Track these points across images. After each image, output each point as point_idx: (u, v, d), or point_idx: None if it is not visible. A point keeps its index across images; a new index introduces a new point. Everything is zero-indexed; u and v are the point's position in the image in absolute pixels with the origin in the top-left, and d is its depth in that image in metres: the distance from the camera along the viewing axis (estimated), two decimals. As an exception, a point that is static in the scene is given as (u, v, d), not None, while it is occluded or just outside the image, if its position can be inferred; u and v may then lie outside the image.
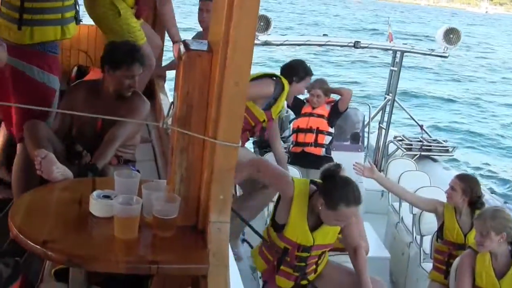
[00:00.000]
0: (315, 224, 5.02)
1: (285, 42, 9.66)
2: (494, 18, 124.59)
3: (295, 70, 6.87)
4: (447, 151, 10.72)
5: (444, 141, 11.09)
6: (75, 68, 7.17)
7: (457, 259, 5.90)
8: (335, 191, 4.77)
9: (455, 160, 15.16)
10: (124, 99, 4.80)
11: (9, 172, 5.14)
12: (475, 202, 6.24)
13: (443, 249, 6.39)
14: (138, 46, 4.99)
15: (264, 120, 6.46)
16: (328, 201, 4.77)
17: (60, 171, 3.91)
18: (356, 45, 9.48)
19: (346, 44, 9.86)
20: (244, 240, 6.52)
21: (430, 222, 6.97)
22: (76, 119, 4.81)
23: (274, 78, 6.58)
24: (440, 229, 6.44)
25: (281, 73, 6.81)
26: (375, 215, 8.68)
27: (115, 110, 4.56)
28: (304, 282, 5.24)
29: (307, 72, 6.97)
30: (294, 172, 7.70)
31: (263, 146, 10.58)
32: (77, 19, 5.23)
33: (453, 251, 6.25)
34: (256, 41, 8.45)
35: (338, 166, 4.98)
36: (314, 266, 5.23)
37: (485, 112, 27.67)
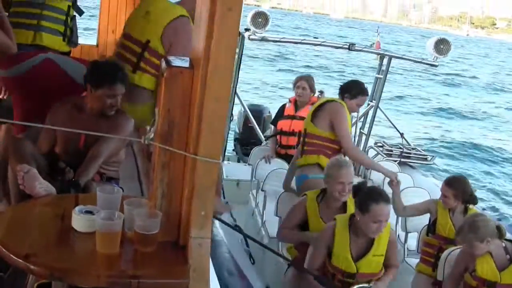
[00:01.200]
0: (359, 253, 5.43)
1: (282, 39, 9.83)
2: (474, 41, 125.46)
3: (350, 88, 7.14)
4: (425, 159, 10.83)
5: (423, 150, 11.20)
6: None
7: (446, 251, 6.05)
8: (363, 196, 5.36)
9: (433, 169, 15.27)
10: (107, 116, 4.81)
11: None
12: (468, 200, 6.38)
13: (434, 242, 6.47)
14: (121, 65, 4.99)
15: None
16: (360, 207, 5.33)
17: (43, 186, 3.93)
18: (350, 47, 9.56)
19: (341, 46, 9.95)
20: (236, 226, 6.62)
21: (416, 219, 7.10)
22: (60, 135, 4.81)
23: (334, 101, 7.03)
24: (433, 224, 6.55)
25: (339, 90, 7.20)
26: None
27: (98, 128, 4.58)
28: None
29: (360, 91, 7.18)
30: (284, 166, 8.28)
31: (244, 143, 10.75)
32: (66, 37, 5.30)
33: (443, 245, 6.33)
34: (254, 36, 8.60)
35: (363, 182, 5.59)
36: None
37: (464, 123, 27.93)
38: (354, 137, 10.61)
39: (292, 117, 8.71)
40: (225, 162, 10.17)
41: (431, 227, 6.56)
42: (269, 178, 8.05)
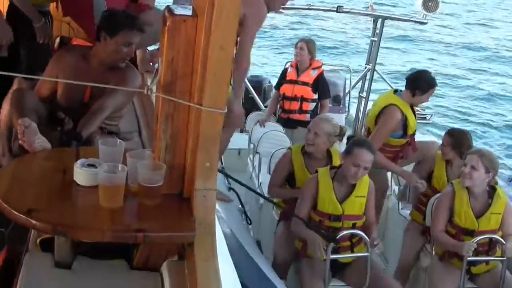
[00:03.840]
0: (343, 196, 5.71)
1: None
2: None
3: (418, 83, 7.04)
4: (424, 118, 10.95)
5: (422, 109, 11.26)
6: (58, 40, 7.07)
7: (432, 198, 6.26)
8: (350, 142, 5.85)
9: (432, 127, 15.32)
10: (115, 70, 4.68)
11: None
12: (465, 154, 6.33)
13: (428, 192, 6.59)
14: (136, 14, 4.92)
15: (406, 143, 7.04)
16: (345, 151, 5.74)
17: (40, 142, 3.85)
18: (338, 9, 9.72)
19: (328, 8, 10.01)
20: (230, 188, 6.62)
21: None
22: (63, 84, 4.70)
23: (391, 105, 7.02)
24: (429, 175, 6.69)
25: (406, 85, 7.11)
26: None
27: (105, 81, 4.44)
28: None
29: (430, 84, 7.07)
30: (279, 128, 8.65)
31: (246, 113, 10.86)
32: None
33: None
34: None
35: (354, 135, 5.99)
36: (348, 242, 5.75)
37: (465, 82, 27.55)
38: (350, 96, 10.75)
39: (295, 82, 8.78)
40: None
41: (428, 178, 6.70)
42: (263, 140, 8.25)
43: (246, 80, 10.58)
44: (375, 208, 6.04)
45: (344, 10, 9.75)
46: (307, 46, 8.75)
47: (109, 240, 2.80)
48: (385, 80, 11.53)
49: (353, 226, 5.69)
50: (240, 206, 6.60)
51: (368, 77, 10.86)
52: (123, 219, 2.92)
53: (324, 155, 6.37)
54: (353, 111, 11.27)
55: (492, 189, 5.77)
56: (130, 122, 5.65)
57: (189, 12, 2.82)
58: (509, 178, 8.08)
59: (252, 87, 10.75)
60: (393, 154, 7.05)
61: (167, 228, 2.84)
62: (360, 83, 11.20)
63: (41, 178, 3.19)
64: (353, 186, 5.69)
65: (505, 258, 5.70)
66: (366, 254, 5.65)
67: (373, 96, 11.31)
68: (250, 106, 10.64)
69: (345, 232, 5.58)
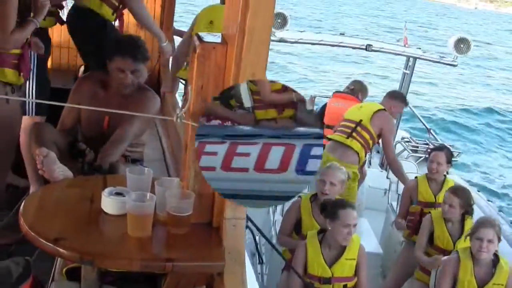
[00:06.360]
0: (332, 259, 5.60)
1: (300, 40, 9.79)
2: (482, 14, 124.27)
3: None
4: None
5: (450, 145, 11.15)
6: (82, 68, 7.15)
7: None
8: (330, 206, 5.68)
9: (459, 165, 15.18)
10: (132, 95, 4.64)
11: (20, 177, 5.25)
12: (468, 210, 6.37)
13: (432, 253, 6.43)
14: (139, 41, 4.82)
15: None
16: (329, 215, 5.55)
17: (61, 170, 3.82)
18: (367, 48, 9.60)
19: (358, 46, 9.94)
20: (247, 227, 6.54)
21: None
22: (84, 114, 4.65)
23: None
24: (431, 236, 6.52)
25: None
26: (377, 212, 8.90)
27: (122, 107, 4.38)
28: None
29: None
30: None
31: None
32: None
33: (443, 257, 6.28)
34: (272, 37, 8.57)
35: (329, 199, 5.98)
36: None
37: (494, 118, 27.31)
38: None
39: None
40: None
41: (429, 239, 6.54)
42: None
43: None
44: None
45: (373, 48, 9.65)
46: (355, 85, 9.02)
47: (137, 270, 2.76)
48: (414, 113, 11.65)
49: None
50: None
51: None
52: (152, 248, 2.89)
53: None
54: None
55: (496, 258, 5.66)
56: (155, 148, 5.64)
57: (219, 40, 2.80)
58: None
59: None
60: None
61: (196, 257, 2.81)
62: None
63: (68, 206, 3.17)
64: (343, 249, 5.60)
65: None
66: None
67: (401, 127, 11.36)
68: None
69: None
